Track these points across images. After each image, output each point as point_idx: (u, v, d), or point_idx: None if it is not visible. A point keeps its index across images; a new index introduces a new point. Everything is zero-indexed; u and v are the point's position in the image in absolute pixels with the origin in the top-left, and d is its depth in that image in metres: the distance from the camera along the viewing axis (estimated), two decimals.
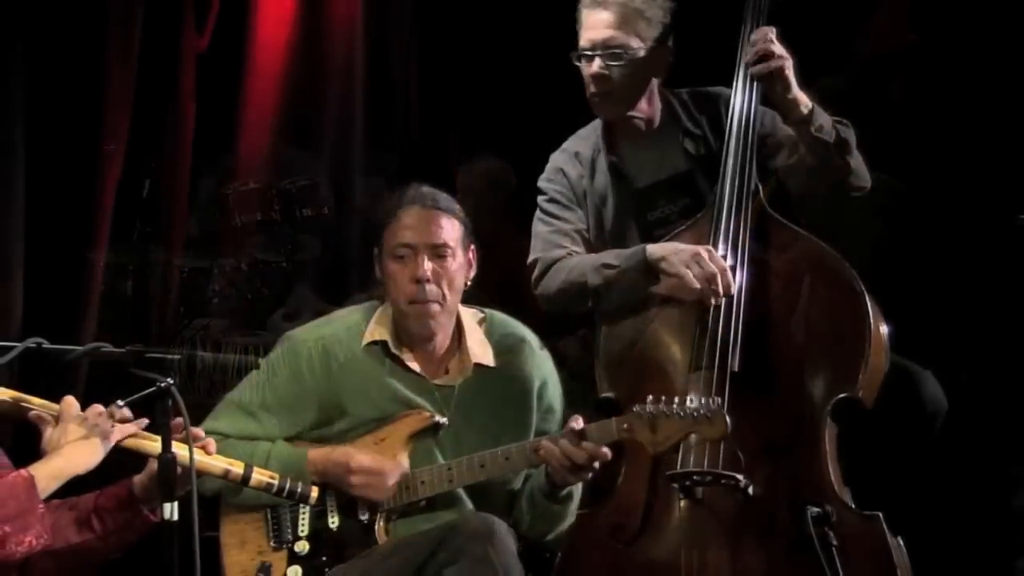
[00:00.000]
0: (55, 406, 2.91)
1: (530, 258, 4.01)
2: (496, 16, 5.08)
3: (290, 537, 3.59)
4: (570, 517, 3.69)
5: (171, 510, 2.74)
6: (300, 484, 3.22)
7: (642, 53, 3.92)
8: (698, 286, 3.66)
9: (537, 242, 4.03)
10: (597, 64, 3.91)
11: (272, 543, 3.60)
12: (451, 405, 3.66)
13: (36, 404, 2.93)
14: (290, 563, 3.57)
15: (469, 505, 3.64)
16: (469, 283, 3.66)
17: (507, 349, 3.74)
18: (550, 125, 4.30)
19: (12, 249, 4.09)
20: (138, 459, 3.03)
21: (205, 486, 3.42)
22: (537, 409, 3.74)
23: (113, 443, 2.91)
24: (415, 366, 3.66)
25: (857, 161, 3.86)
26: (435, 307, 3.57)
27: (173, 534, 2.74)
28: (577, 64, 3.96)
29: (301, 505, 3.57)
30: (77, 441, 2.87)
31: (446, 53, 5.17)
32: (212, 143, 4.72)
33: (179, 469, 2.91)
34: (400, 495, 3.57)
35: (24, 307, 4.12)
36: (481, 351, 3.70)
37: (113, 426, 2.92)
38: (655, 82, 4.01)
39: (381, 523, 3.58)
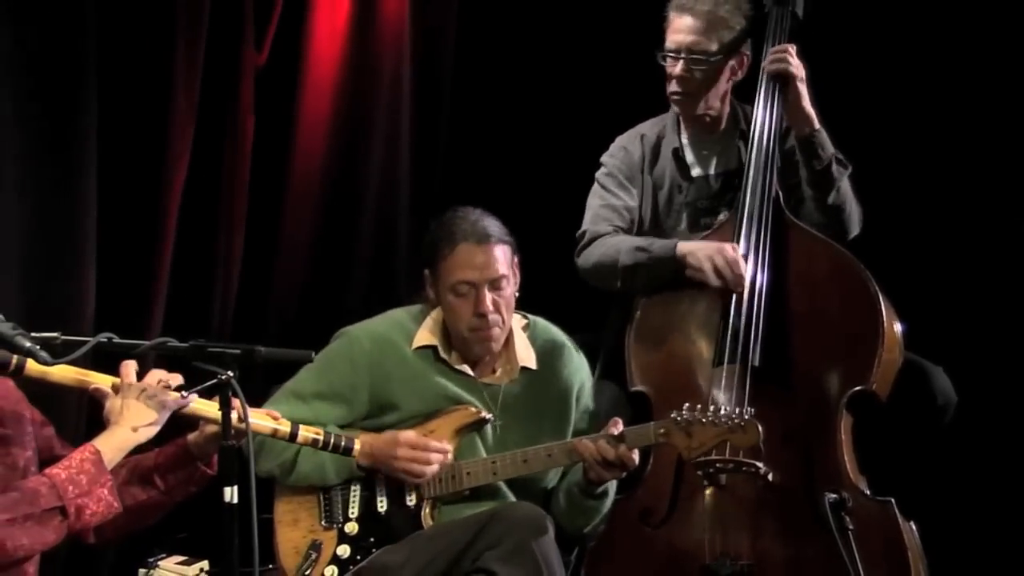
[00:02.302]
0: (113, 379, 2.92)
1: (581, 228, 4.03)
2: (537, 29, 5.08)
3: (341, 518, 3.59)
4: (604, 512, 3.69)
5: (231, 493, 2.73)
6: (344, 438, 3.21)
7: (722, 58, 3.94)
8: (716, 281, 3.68)
9: (588, 214, 4.07)
10: (680, 67, 3.95)
11: (323, 523, 3.61)
12: (497, 404, 3.66)
13: (96, 378, 2.93)
14: (339, 542, 3.57)
15: (510, 497, 3.64)
16: (518, 293, 3.66)
17: (549, 353, 3.74)
18: (583, 137, 4.30)
19: (86, 251, 4.12)
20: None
21: (259, 467, 3.45)
22: (576, 409, 3.74)
23: (171, 412, 2.93)
24: (464, 368, 3.66)
25: (843, 199, 3.87)
26: (496, 331, 3.59)
27: (233, 515, 2.73)
28: (662, 63, 3.97)
29: (352, 489, 3.59)
30: (137, 412, 2.88)
31: (488, 64, 5.17)
32: (270, 153, 4.73)
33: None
34: (446, 484, 3.58)
35: (96, 305, 4.14)
36: (526, 355, 3.70)
37: (170, 394, 2.92)
38: (729, 85, 4.03)
39: (427, 509, 3.58)
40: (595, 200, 4.06)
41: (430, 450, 3.52)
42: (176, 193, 4.35)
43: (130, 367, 2.91)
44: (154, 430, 2.91)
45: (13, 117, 3.92)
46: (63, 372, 2.90)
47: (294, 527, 3.62)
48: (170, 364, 3.06)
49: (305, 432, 3.15)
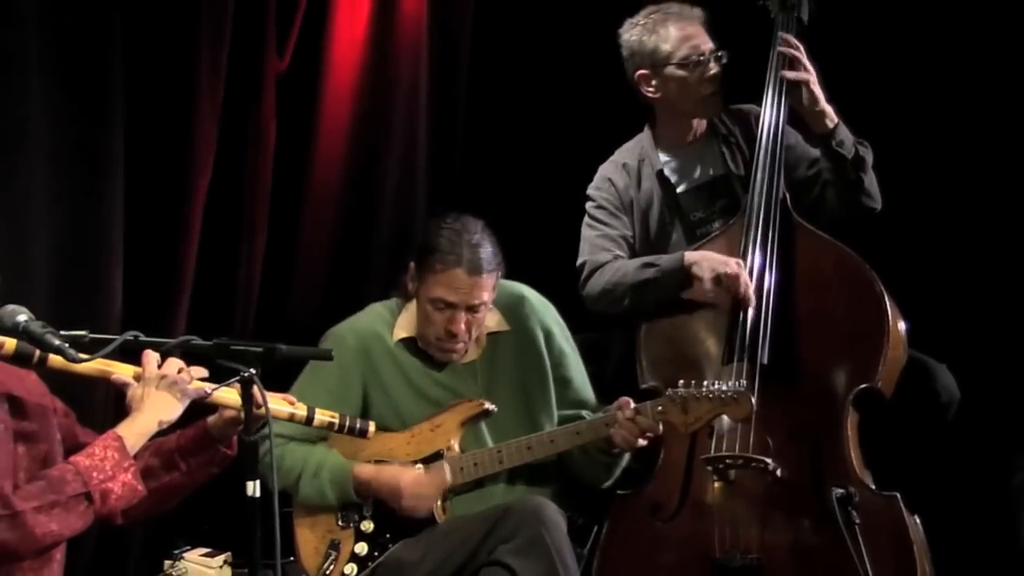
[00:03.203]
0: (135, 368, 2.93)
1: (578, 260, 4.03)
2: (552, 33, 5.08)
3: (356, 517, 3.62)
4: (618, 470, 3.72)
5: (254, 487, 2.73)
6: (359, 421, 3.19)
7: None
8: (712, 294, 3.70)
9: (585, 245, 4.05)
10: (714, 66, 3.96)
11: (340, 523, 3.64)
12: (477, 379, 3.69)
13: (117, 369, 2.94)
14: (357, 540, 3.60)
15: (521, 483, 3.66)
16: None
17: (511, 308, 3.77)
18: (596, 141, 4.31)
19: (113, 252, 4.14)
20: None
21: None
22: (549, 357, 3.76)
23: (190, 399, 2.94)
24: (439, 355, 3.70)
25: (871, 180, 3.87)
26: (461, 346, 3.65)
27: (255, 509, 2.73)
28: (699, 65, 3.96)
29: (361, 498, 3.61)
30: (158, 399, 2.89)
31: (502, 73, 5.18)
32: (291, 156, 4.75)
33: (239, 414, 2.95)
34: (455, 476, 3.60)
35: (123, 304, 4.16)
36: (492, 321, 3.73)
37: (190, 382, 2.93)
38: None
39: (439, 502, 3.60)
40: (590, 232, 4.05)
41: (431, 495, 3.57)
42: (200, 196, 4.37)
43: (152, 357, 2.92)
44: (174, 417, 2.92)
45: (44, 122, 3.95)
46: (84, 363, 2.91)
47: (312, 529, 3.65)
48: (194, 362, 3.07)
49: (321, 416, 3.15)
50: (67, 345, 2.77)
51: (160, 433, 2.97)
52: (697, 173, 4.05)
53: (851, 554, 3.42)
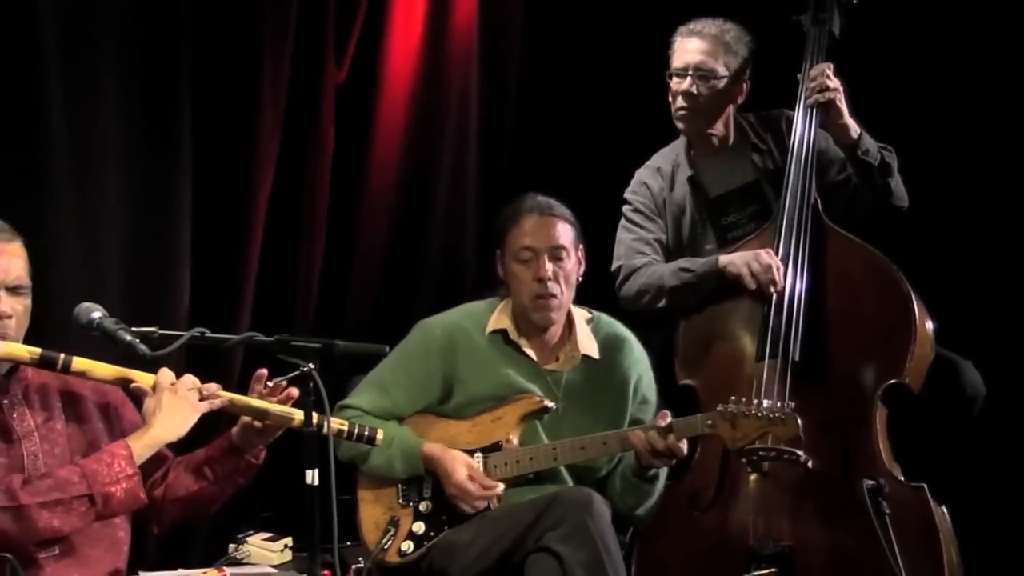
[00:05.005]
0: (154, 377, 2.95)
1: (614, 264, 4.04)
2: (600, 40, 5.08)
3: (416, 498, 3.62)
4: (656, 495, 3.68)
5: (312, 476, 2.75)
6: (367, 429, 3.14)
7: (725, 81, 3.97)
8: (753, 285, 3.70)
9: (620, 248, 4.06)
10: (687, 83, 3.96)
11: (401, 501, 3.63)
12: (560, 389, 3.68)
13: (137, 377, 2.95)
14: (415, 520, 3.59)
15: (569, 481, 3.66)
16: (581, 278, 3.68)
17: (611, 346, 3.73)
18: (638, 145, 4.32)
19: (181, 253, 4.19)
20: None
21: (340, 453, 3.50)
22: (633, 400, 3.73)
23: (200, 413, 2.94)
24: (530, 352, 3.67)
25: (897, 182, 3.88)
26: (555, 301, 3.60)
27: (315, 496, 2.75)
28: (669, 81, 4.00)
29: (427, 472, 3.62)
30: (169, 413, 2.90)
31: (550, 80, 5.18)
32: (348, 163, 4.79)
33: (254, 422, 3.01)
34: (511, 467, 3.59)
35: (190, 302, 4.21)
36: (588, 344, 3.70)
37: (201, 399, 2.94)
38: (732, 108, 4.04)
39: (500, 489, 3.60)
40: (626, 235, 4.06)
41: (474, 496, 3.54)
42: (263, 200, 4.41)
43: (166, 372, 2.95)
44: (183, 431, 2.94)
45: (118, 129, 4.02)
46: (105, 370, 2.94)
47: (375, 505, 3.66)
48: (257, 357, 3.10)
49: (333, 424, 3.14)
50: (138, 341, 2.83)
51: (179, 444, 3.00)
52: (729, 179, 4.05)
53: (880, 542, 3.43)
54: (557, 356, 3.71)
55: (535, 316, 3.63)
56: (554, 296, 3.59)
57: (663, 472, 3.66)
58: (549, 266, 3.58)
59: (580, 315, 3.74)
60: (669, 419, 3.48)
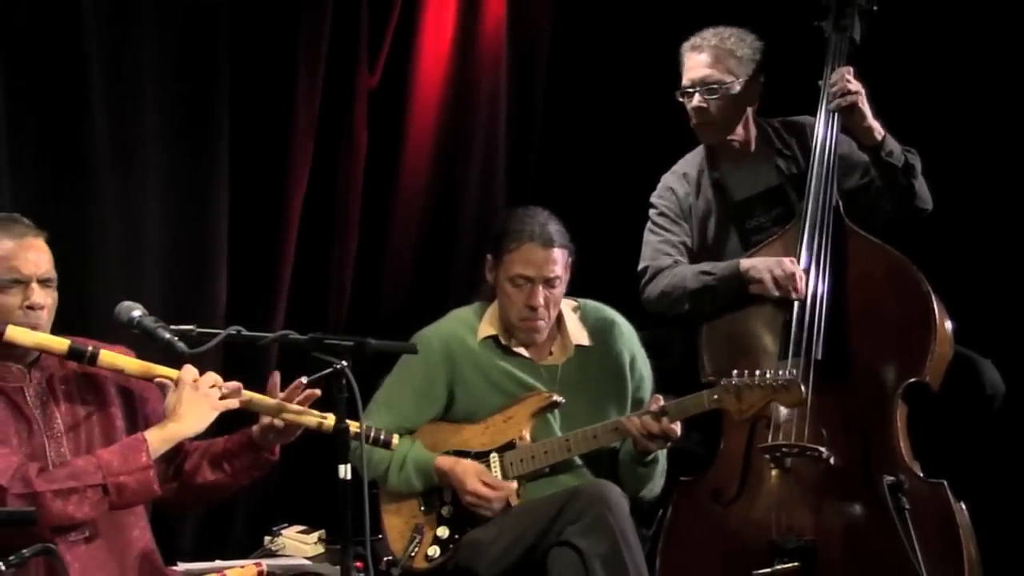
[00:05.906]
0: (178, 372, 2.97)
1: (641, 264, 4.05)
2: (627, 45, 5.08)
3: (437, 503, 3.65)
4: (657, 478, 3.71)
5: (345, 470, 2.77)
6: (383, 432, 3.16)
7: (736, 87, 3.95)
8: (776, 292, 3.70)
9: (647, 250, 4.06)
10: (697, 99, 3.95)
11: (423, 508, 3.66)
12: (557, 382, 3.70)
13: (160, 372, 2.97)
14: (438, 524, 3.63)
15: (585, 470, 3.69)
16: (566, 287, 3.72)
17: (600, 330, 3.77)
18: (664, 149, 4.32)
19: (219, 253, 4.22)
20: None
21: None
22: (631, 379, 3.77)
23: (219, 411, 2.96)
24: (523, 352, 3.71)
25: (921, 184, 3.86)
26: (541, 323, 3.65)
27: (347, 491, 2.77)
28: (681, 100, 4.00)
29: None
30: (188, 409, 2.92)
31: (577, 83, 5.19)
32: (381, 166, 4.81)
33: (274, 422, 3.02)
34: (527, 463, 3.62)
35: (227, 301, 4.24)
36: (579, 333, 3.73)
37: (221, 397, 2.96)
38: (750, 111, 4.03)
39: (513, 487, 3.63)
40: (652, 237, 4.05)
41: (491, 502, 3.57)
42: (298, 202, 4.44)
43: (189, 369, 2.97)
44: (201, 427, 2.96)
45: (157, 132, 4.06)
46: (131, 364, 2.96)
47: (398, 514, 3.69)
48: (291, 354, 3.12)
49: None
50: (177, 338, 2.85)
51: (203, 436, 3.02)
52: (753, 184, 4.04)
53: (901, 537, 3.42)
54: (550, 350, 3.74)
55: (521, 335, 3.69)
56: (542, 319, 3.64)
57: (662, 455, 3.69)
58: (541, 297, 3.61)
59: (566, 305, 3.76)
60: (661, 402, 3.51)
